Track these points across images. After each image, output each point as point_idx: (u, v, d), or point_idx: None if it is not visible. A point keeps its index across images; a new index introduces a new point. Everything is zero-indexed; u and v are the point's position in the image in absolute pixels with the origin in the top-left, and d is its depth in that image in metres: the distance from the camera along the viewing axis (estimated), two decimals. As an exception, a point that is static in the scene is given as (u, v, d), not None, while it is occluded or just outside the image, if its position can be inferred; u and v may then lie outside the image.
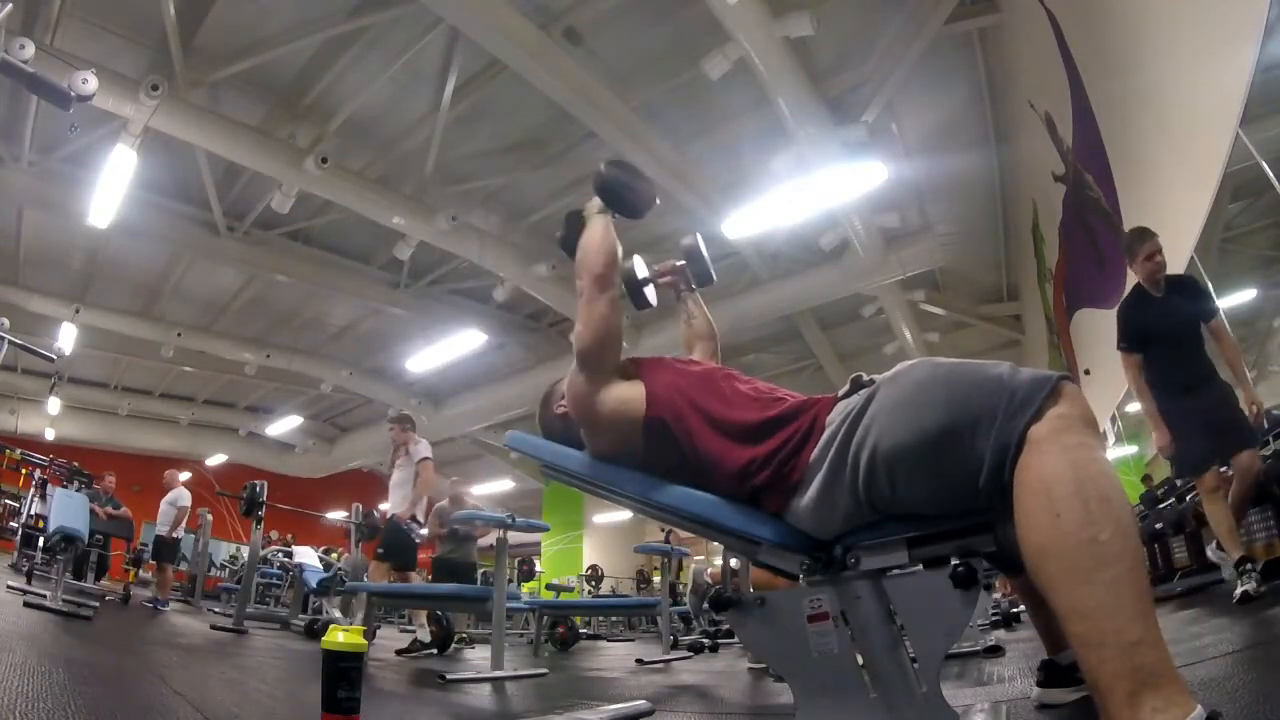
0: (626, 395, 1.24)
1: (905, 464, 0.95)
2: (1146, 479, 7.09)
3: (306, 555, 6.62)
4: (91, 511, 5.61)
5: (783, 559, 1.09)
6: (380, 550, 4.58)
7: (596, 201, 1.38)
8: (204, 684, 2.20)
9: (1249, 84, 2.55)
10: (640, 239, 7.63)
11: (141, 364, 10.92)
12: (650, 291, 1.70)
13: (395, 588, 4.93)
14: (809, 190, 5.49)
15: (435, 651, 4.28)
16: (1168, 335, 2.92)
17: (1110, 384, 5.95)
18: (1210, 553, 3.44)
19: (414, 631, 4.90)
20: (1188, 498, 4.63)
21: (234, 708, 1.82)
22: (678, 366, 1.31)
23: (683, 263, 1.75)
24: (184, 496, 6.86)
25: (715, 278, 1.75)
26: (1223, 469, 2.89)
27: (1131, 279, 3.83)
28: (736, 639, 4.79)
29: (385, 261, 7.85)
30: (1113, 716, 0.74)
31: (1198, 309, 2.95)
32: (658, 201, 1.41)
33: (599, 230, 1.33)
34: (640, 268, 1.68)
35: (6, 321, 2.64)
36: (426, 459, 4.63)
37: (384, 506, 4.88)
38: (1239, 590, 2.58)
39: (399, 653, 4.22)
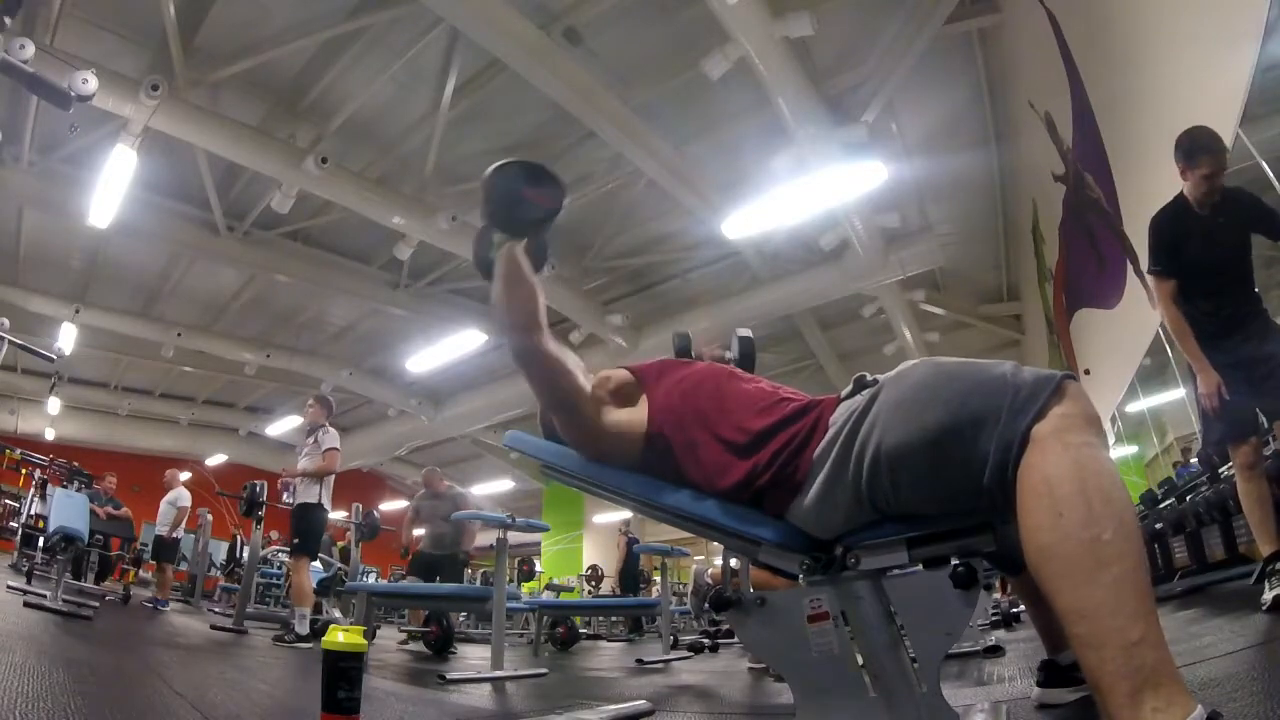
0: (625, 420, 1.22)
1: (908, 463, 0.94)
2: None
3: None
4: (91, 511, 5.61)
5: (783, 559, 1.09)
6: (298, 541, 4.33)
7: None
8: (204, 684, 2.19)
9: (1249, 84, 2.55)
10: (641, 238, 7.64)
11: (141, 364, 10.93)
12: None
13: (395, 588, 4.92)
14: (809, 190, 5.49)
15: (310, 645, 3.92)
16: (1208, 261, 2.37)
17: (1110, 384, 5.96)
18: None
19: (420, 630, 4.89)
20: (1188, 497, 4.63)
21: (234, 708, 1.82)
22: (680, 370, 1.30)
23: (733, 355, 1.71)
24: (184, 496, 6.87)
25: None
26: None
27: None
28: (736, 639, 4.79)
29: (385, 261, 7.85)
30: (1113, 716, 0.74)
31: (1252, 228, 2.39)
32: (564, 201, 1.21)
33: (506, 268, 1.17)
34: (690, 344, 1.65)
35: (6, 321, 2.64)
36: (335, 449, 4.46)
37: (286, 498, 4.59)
38: (1269, 595, 2.16)
39: (275, 639, 4.08)
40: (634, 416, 1.23)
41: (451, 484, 5.83)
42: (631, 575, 8.88)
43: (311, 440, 4.52)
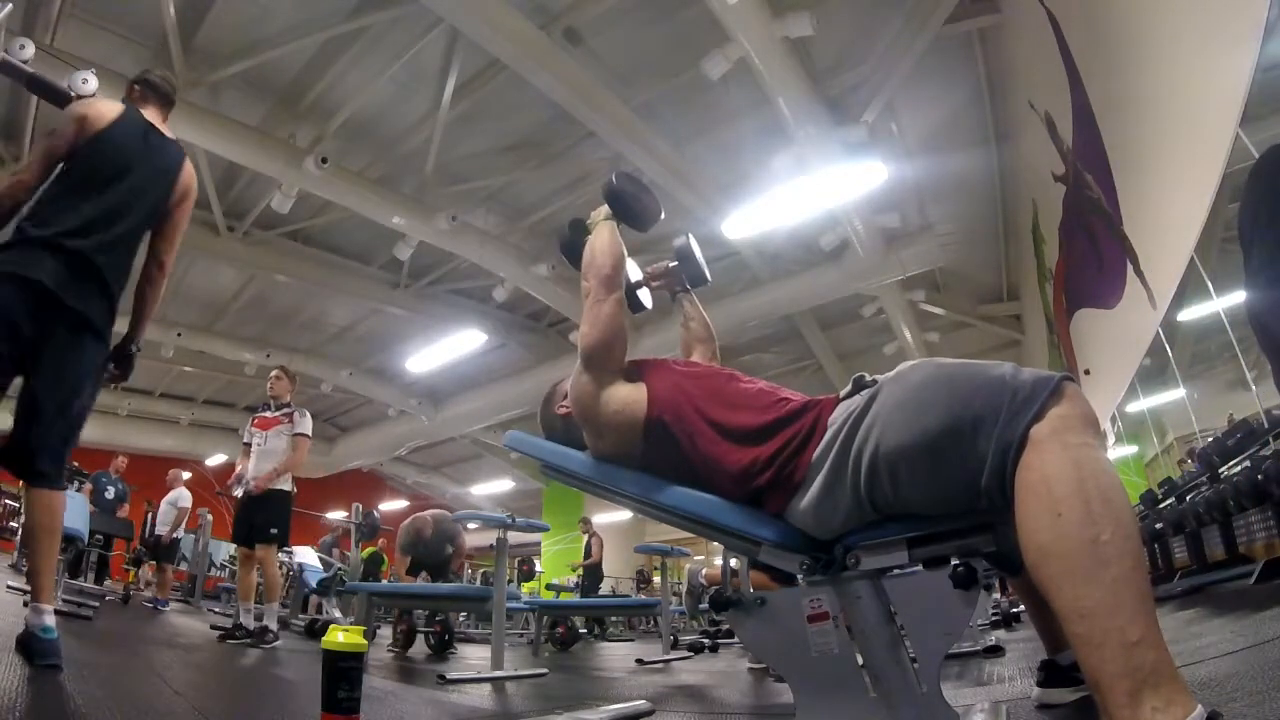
0: (630, 396, 1.23)
1: (907, 464, 0.95)
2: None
3: (306, 555, 6.64)
4: (92, 512, 5.62)
5: (783, 559, 1.09)
6: (274, 531, 3.92)
7: (604, 208, 1.42)
8: (204, 684, 2.20)
9: (1249, 84, 2.55)
10: (641, 238, 7.62)
11: (141, 364, 10.83)
12: (645, 295, 1.69)
13: (395, 588, 4.92)
14: (809, 190, 5.49)
15: (249, 641, 3.63)
16: None
17: (1111, 384, 5.96)
18: None
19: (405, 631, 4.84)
20: (1188, 497, 4.63)
21: (234, 707, 1.82)
22: (680, 368, 1.31)
23: (675, 264, 1.73)
24: (185, 497, 6.88)
25: (710, 278, 1.71)
26: None
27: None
28: (736, 639, 4.79)
29: (385, 261, 7.85)
30: (1113, 716, 0.74)
31: None
32: (662, 216, 1.48)
33: (606, 234, 1.37)
34: (633, 271, 1.65)
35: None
36: (307, 437, 4.13)
37: (249, 481, 4.00)
38: None
39: (221, 638, 3.75)
40: (636, 394, 1.23)
41: (437, 516, 5.52)
42: (596, 574, 8.84)
43: (283, 420, 4.16)
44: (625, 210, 1.41)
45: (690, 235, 1.72)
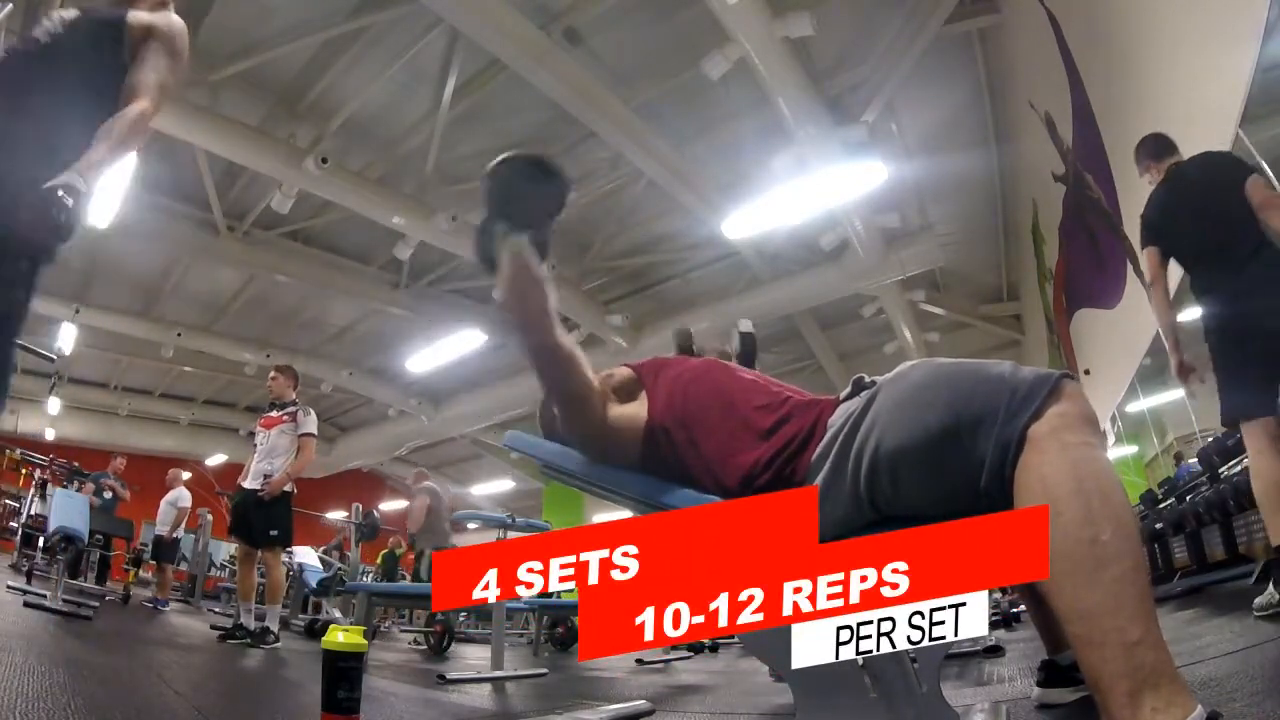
0: (628, 414, 1.22)
1: (907, 464, 0.94)
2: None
3: (306, 555, 6.64)
4: (93, 509, 5.61)
5: (782, 559, 1.09)
6: (276, 533, 3.89)
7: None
8: (204, 684, 2.20)
9: (1249, 84, 2.55)
10: (641, 238, 7.64)
11: (141, 364, 10.93)
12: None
13: (395, 588, 4.92)
14: (809, 190, 5.49)
15: (249, 641, 3.61)
16: None
17: (1110, 384, 5.96)
18: None
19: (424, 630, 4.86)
20: (1188, 497, 4.63)
21: (234, 708, 1.82)
22: (678, 366, 1.30)
23: (734, 349, 1.69)
24: (184, 497, 6.88)
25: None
26: None
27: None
28: (736, 639, 4.78)
29: (385, 261, 7.85)
30: (1113, 716, 0.74)
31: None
32: (571, 195, 1.18)
33: (512, 269, 1.13)
34: (692, 340, 1.65)
35: (6, 321, 2.63)
36: (312, 435, 4.10)
37: (251, 482, 3.98)
38: (1266, 601, 2.04)
39: (221, 638, 3.76)
40: (635, 411, 1.22)
41: (432, 482, 5.74)
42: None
43: (286, 419, 4.11)
44: (510, 219, 1.15)
45: (752, 326, 1.67)
